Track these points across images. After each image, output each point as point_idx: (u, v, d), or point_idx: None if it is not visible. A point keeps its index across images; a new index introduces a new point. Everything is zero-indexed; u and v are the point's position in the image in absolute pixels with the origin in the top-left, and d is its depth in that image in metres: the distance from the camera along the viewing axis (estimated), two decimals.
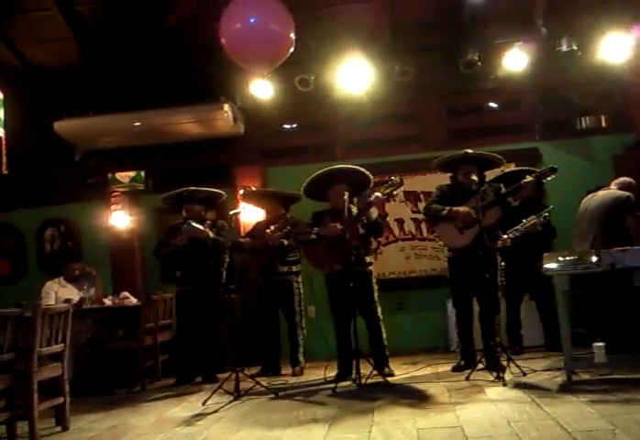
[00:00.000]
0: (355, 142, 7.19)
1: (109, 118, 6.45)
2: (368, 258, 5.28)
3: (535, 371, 4.74)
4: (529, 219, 5.58)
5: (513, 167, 6.24)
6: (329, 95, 6.56)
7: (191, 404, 4.64)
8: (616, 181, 5.29)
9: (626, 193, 5.10)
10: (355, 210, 5.17)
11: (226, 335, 5.94)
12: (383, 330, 5.24)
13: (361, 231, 5.10)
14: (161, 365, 5.91)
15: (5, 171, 4.79)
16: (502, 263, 5.78)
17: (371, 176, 5.34)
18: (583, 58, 6.11)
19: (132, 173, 7.08)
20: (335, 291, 5.19)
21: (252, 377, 4.98)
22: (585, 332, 5.01)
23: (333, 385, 4.73)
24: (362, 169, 5.32)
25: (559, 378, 4.41)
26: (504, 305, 5.69)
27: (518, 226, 5.55)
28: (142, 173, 7.10)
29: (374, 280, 5.28)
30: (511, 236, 5.53)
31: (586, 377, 4.39)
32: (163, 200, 6.04)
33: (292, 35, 4.75)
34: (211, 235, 5.61)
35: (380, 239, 6.08)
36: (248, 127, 6.87)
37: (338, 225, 5.04)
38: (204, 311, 5.64)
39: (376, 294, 5.25)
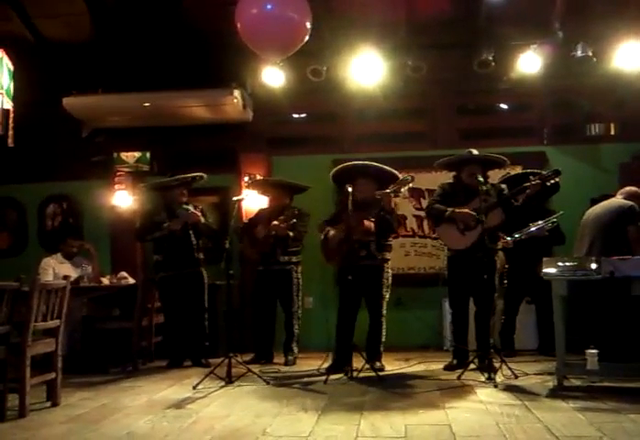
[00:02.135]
0: (363, 135, 7.17)
1: (118, 97, 6.43)
2: (382, 254, 5.26)
3: (527, 375, 4.75)
4: (537, 223, 5.58)
5: (518, 169, 6.24)
6: (340, 87, 6.54)
7: (182, 387, 4.65)
8: (622, 190, 5.28)
9: (630, 203, 5.10)
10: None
11: (220, 321, 5.98)
12: (384, 326, 5.26)
13: (371, 227, 5.09)
14: (155, 346, 5.93)
15: (12, 144, 4.78)
16: (506, 265, 5.81)
17: (396, 173, 5.30)
18: (597, 64, 6.08)
19: (138, 154, 7.07)
20: (341, 284, 5.20)
21: (245, 363, 5.00)
22: (578, 338, 5.01)
23: (324, 376, 4.75)
24: (394, 171, 5.30)
25: (550, 382, 4.42)
26: (501, 307, 5.72)
27: (524, 229, 5.54)
28: (147, 154, 7.09)
29: (386, 276, 5.27)
30: (516, 237, 5.54)
31: (577, 383, 4.40)
32: (146, 186, 6.06)
33: (308, 24, 4.72)
34: (202, 220, 5.67)
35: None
36: (257, 115, 6.85)
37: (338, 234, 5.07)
38: (188, 295, 5.67)
39: (385, 290, 5.26)
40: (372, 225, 5.12)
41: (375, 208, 5.19)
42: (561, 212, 5.70)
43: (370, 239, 5.16)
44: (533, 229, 5.56)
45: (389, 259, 5.35)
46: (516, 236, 5.56)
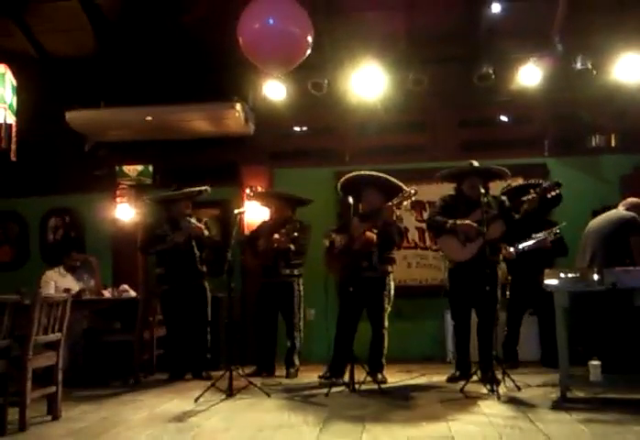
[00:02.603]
0: (364, 148, 7.20)
1: (121, 111, 6.47)
2: (384, 266, 5.26)
3: (530, 386, 4.73)
4: (539, 235, 5.58)
5: (520, 181, 6.25)
6: (342, 100, 6.58)
7: (183, 400, 4.63)
8: (624, 201, 5.28)
9: (631, 214, 5.09)
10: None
11: (222, 334, 5.97)
12: (386, 338, 5.24)
13: (371, 237, 5.10)
14: (157, 359, 5.92)
15: (14, 159, 4.80)
16: (509, 277, 5.81)
17: (401, 185, 5.29)
18: (597, 76, 6.11)
19: (140, 167, 7.10)
20: (342, 294, 5.19)
21: (246, 376, 4.98)
22: (581, 349, 4.99)
23: (326, 389, 4.73)
24: (401, 184, 5.28)
25: (553, 394, 4.39)
26: (504, 319, 5.70)
27: (527, 241, 5.54)
28: (150, 168, 7.12)
29: (388, 289, 5.26)
30: (519, 248, 5.53)
31: (580, 394, 4.38)
32: (151, 199, 6.09)
33: (310, 38, 4.76)
34: (206, 233, 5.69)
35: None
36: (259, 128, 6.88)
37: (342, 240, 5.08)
38: (191, 308, 5.67)
39: (387, 302, 5.24)
40: (374, 236, 5.12)
41: (379, 219, 5.19)
42: (564, 223, 5.71)
43: (372, 251, 5.16)
44: (535, 241, 5.56)
45: (391, 272, 5.34)
46: (519, 247, 5.57)
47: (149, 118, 6.40)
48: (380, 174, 5.33)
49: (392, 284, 5.32)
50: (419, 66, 6.35)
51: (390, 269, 5.33)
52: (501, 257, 5.32)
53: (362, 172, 5.36)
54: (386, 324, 5.25)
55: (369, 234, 5.11)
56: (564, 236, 5.74)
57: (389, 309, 5.28)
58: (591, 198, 6.33)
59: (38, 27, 6.52)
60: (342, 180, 5.47)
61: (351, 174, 5.40)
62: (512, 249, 5.57)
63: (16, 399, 3.76)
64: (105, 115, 6.49)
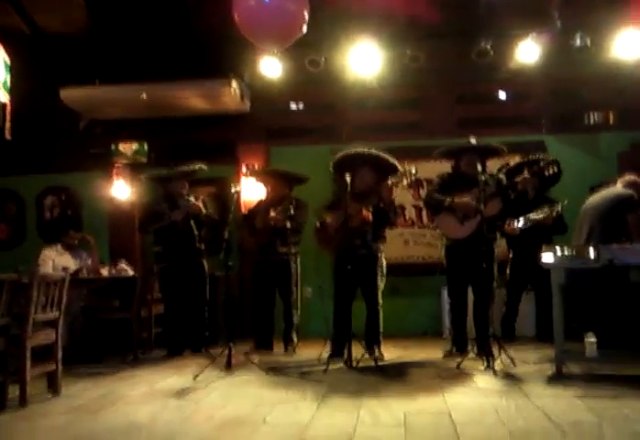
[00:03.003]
0: (361, 125, 7.16)
1: (115, 89, 6.41)
2: (376, 244, 5.26)
3: (526, 362, 4.77)
4: (541, 211, 5.57)
5: (517, 158, 6.24)
6: (338, 77, 6.52)
7: (182, 377, 4.66)
8: (622, 178, 5.28)
9: (629, 191, 5.10)
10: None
11: (220, 311, 6.00)
12: (381, 315, 5.26)
13: (368, 217, 5.10)
14: (155, 337, 5.94)
15: (9, 137, 4.77)
16: (510, 255, 5.83)
17: (397, 164, 5.27)
18: (596, 54, 6.06)
19: (135, 146, 7.06)
20: (337, 272, 5.21)
21: (245, 353, 5.01)
22: (575, 325, 5.03)
23: (324, 365, 4.77)
24: (393, 159, 5.25)
25: (549, 370, 4.43)
26: (501, 295, 5.73)
27: (530, 215, 5.53)
28: (145, 146, 7.09)
29: (381, 266, 5.28)
30: (521, 226, 5.53)
31: (576, 370, 4.42)
32: (148, 178, 6.07)
33: (306, 14, 4.70)
34: (204, 211, 5.69)
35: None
36: (255, 105, 6.83)
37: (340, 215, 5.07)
38: (189, 286, 5.69)
39: (380, 280, 5.26)
40: (370, 214, 5.11)
41: (374, 198, 5.19)
42: (566, 200, 5.69)
43: (367, 229, 5.16)
44: (538, 217, 5.55)
45: (382, 250, 5.35)
46: (522, 223, 5.55)
47: (144, 96, 6.34)
48: (374, 151, 5.29)
49: (384, 261, 5.34)
50: (416, 42, 6.29)
51: (382, 246, 5.34)
52: (498, 235, 5.32)
53: (356, 150, 5.30)
54: (380, 301, 5.27)
55: (365, 212, 5.10)
56: (563, 213, 5.74)
57: (382, 286, 5.30)
58: (589, 175, 6.34)
59: (31, 3, 6.42)
60: (335, 158, 5.40)
61: (344, 152, 5.35)
62: (516, 225, 5.56)
63: (16, 376, 3.79)
64: (100, 92, 6.43)
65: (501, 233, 5.62)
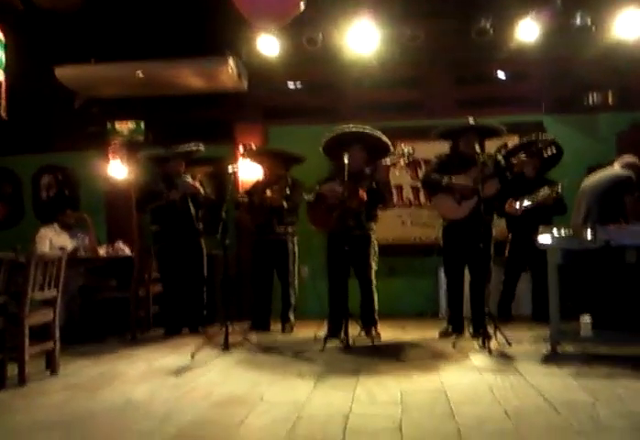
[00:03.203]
0: (359, 105, 7.11)
1: (111, 67, 6.34)
2: (369, 224, 5.27)
3: (521, 341, 4.81)
4: (542, 191, 5.56)
5: (516, 139, 6.21)
6: (336, 56, 6.44)
7: (180, 355, 4.70)
8: (621, 159, 5.27)
9: (627, 173, 5.10)
10: (367, 172, 5.13)
11: (217, 290, 6.02)
12: (375, 294, 5.27)
13: (364, 196, 5.09)
14: (153, 316, 5.97)
15: (4, 115, 4.73)
16: (509, 235, 5.84)
17: (389, 143, 5.26)
18: (596, 33, 6.00)
19: (132, 124, 7.01)
20: (331, 252, 5.22)
21: (242, 332, 5.04)
22: (570, 304, 5.05)
23: (321, 344, 4.80)
24: (384, 137, 5.22)
25: (544, 349, 4.47)
26: (497, 275, 5.74)
27: (532, 196, 5.52)
28: (142, 125, 7.04)
29: (373, 246, 5.28)
30: (523, 206, 5.51)
31: (570, 349, 4.46)
32: (145, 157, 6.04)
33: None
34: (202, 191, 5.66)
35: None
36: (252, 84, 6.77)
37: (337, 187, 5.04)
38: (187, 266, 5.70)
39: (373, 259, 5.27)
40: (365, 195, 5.10)
41: (366, 178, 5.16)
42: (566, 180, 5.67)
43: (361, 209, 5.14)
44: (539, 197, 5.53)
45: (375, 230, 5.34)
46: (525, 203, 5.53)
47: (140, 74, 6.28)
48: (365, 129, 5.23)
49: (376, 242, 5.33)
50: (415, 21, 6.21)
51: (374, 226, 5.35)
52: (495, 215, 5.32)
53: (347, 129, 5.23)
54: (374, 281, 5.28)
55: (361, 193, 5.09)
56: (563, 193, 5.72)
57: (375, 266, 5.31)
58: (588, 156, 6.31)
59: None
60: (323, 141, 5.32)
61: (334, 132, 5.27)
62: (518, 205, 5.55)
63: (14, 355, 3.81)
64: (96, 70, 6.35)
65: (501, 214, 5.62)
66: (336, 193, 5.05)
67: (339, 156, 5.20)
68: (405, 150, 5.10)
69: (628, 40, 5.95)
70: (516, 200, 5.61)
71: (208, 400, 3.39)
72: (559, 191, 5.61)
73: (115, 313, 5.76)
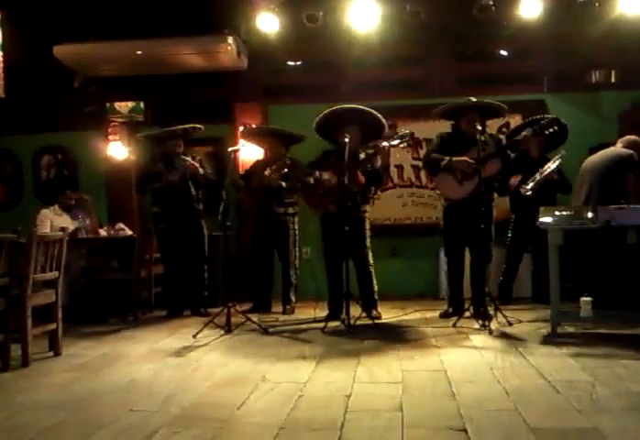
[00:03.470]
0: (360, 83, 7.02)
1: (110, 45, 6.27)
2: (365, 206, 5.26)
3: (521, 322, 4.84)
4: (547, 167, 5.51)
5: (517, 117, 6.16)
6: (337, 33, 6.37)
7: (182, 336, 4.73)
8: (622, 139, 5.24)
9: (629, 151, 5.07)
10: (362, 156, 5.10)
11: (218, 272, 6.03)
12: (373, 275, 5.28)
13: (361, 179, 5.06)
14: (155, 297, 5.99)
15: (3, 95, 4.70)
16: (512, 216, 5.83)
17: (386, 124, 5.23)
18: (600, 10, 5.92)
19: (131, 104, 6.96)
20: (327, 234, 5.23)
21: (243, 313, 5.06)
22: (573, 286, 5.06)
23: (322, 324, 4.83)
24: (379, 115, 5.19)
25: (544, 329, 4.50)
26: (498, 256, 5.74)
27: (536, 176, 5.47)
28: (141, 104, 6.98)
29: (367, 227, 5.28)
30: (531, 186, 5.46)
31: (571, 330, 4.49)
32: (143, 137, 6.01)
33: None
34: (201, 171, 5.65)
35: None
36: (252, 63, 6.70)
37: (332, 178, 5.02)
38: (188, 247, 5.70)
39: (368, 240, 5.27)
40: (363, 177, 5.08)
41: (362, 159, 5.11)
42: (563, 151, 5.60)
43: (357, 191, 5.11)
44: (543, 176, 5.47)
45: (367, 210, 5.33)
46: (530, 185, 5.48)
47: (139, 52, 6.21)
48: (357, 107, 5.17)
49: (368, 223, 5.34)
50: None
51: (368, 208, 5.34)
52: (495, 195, 5.29)
53: (335, 108, 5.19)
54: (371, 261, 5.28)
55: (360, 175, 5.06)
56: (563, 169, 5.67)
57: (370, 246, 5.30)
58: (589, 135, 6.28)
59: None
60: (316, 121, 5.26)
61: (323, 113, 5.22)
62: (528, 187, 5.48)
63: (17, 336, 3.83)
64: (94, 49, 6.29)
65: (503, 193, 5.58)
66: (335, 179, 5.03)
67: (333, 136, 5.18)
68: (407, 132, 5.06)
69: (632, 17, 5.88)
70: (523, 183, 5.52)
71: (211, 379, 3.42)
72: (560, 162, 5.54)
73: (117, 294, 5.78)
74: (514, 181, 5.60)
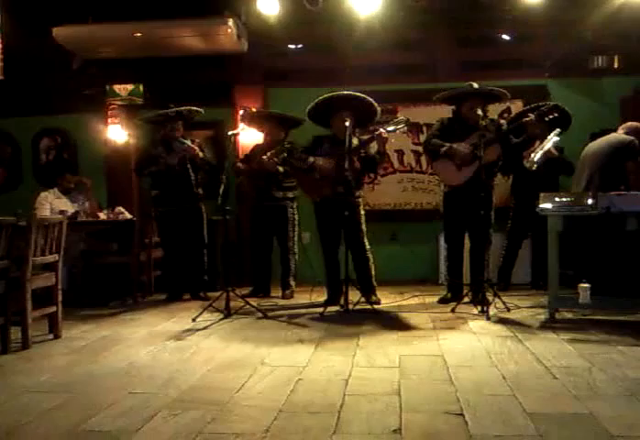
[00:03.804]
0: (361, 67, 6.98)
1: (109, 27, 6.21)
2: (359, 191, 5.25)
3: (520, 308, 4.86)
4: (547, 141, 5.45)
5: (519, 103, 6.12)
6: (338, 16, 6.31)
7: (181, 320, 4.75)
8: (624, 125, 5.22)
9: (630, 138, 5.05)
10: (356, 141, 5.08)
11: (218, 256, 6.04)
12: (371, 260, 5.28)
13: (357, 164, 5.04)
14: (155, 281, 6.01)
15: (2, 76, 4.67)
16: (513, 202, 5.81)
17: (379, 109, 5.21)
18: None
19: (130, 86, 6.92)
20: (322, 219, 5.22)
21: (243, 297, 5.08)
22: (572, 273, 5.07)
23: (321, 309, 4.85)
24: (372, 100, 5.17)
25: (542, 315, 4.52)
26: (497, 242, 5.74)
27: (537, 150, 5.40)
28: (141, 87, 6.94)
29: (362, 212, 5.27)
30: (537, 158, 5.37)
31: (569, 316, 4.51)
32: (142, 120, 5.98)
33: None
34: (200, 154, 5.64)
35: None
36: (252, 45, 6.64)
37: (327, 163, 5.01)
38: (187, 231, 5.70)
39: (364, 225, 5.25)
40: (358, 163, 5.07)
41: (357, 145, 5.08)
42: (557, 129, 5.53)
43: (352, 176, 5.09)
44: (548, 145, 5.39)
45: (361, 196, 5.32)
46: (537, 156, 5.39)
47: (138, 34, 6.16)
48: (350, 92, 5.14)
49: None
50: None
51: (362, 194, 5.33)
52: (495, 181, 5.28)
53: (328, 94, 5.16)
54: (368, 246, 5.27)
55: (356, 162, 5.04)
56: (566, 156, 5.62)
57: (364, 230, 5.29)
58: (591, 121, 6.24)
59: None
60: (309, 107, 5.23)
61: (317, 100, 5.19)
62: (534, 157, 5.40)
63: (17, 318, 3.85)
64: (93, 31, 6.23)
65: (506, 172, 5.56)
66: (332, 165, 5.02)
67: (327, 122, 5.16)
68: (402, 119, 5.04)
69: (636, 2, 5.82)
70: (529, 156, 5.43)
71: (210, 363, 3.44)
72: (557, 136, 5.45)
73: (116, 277, 5.79)
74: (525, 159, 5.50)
